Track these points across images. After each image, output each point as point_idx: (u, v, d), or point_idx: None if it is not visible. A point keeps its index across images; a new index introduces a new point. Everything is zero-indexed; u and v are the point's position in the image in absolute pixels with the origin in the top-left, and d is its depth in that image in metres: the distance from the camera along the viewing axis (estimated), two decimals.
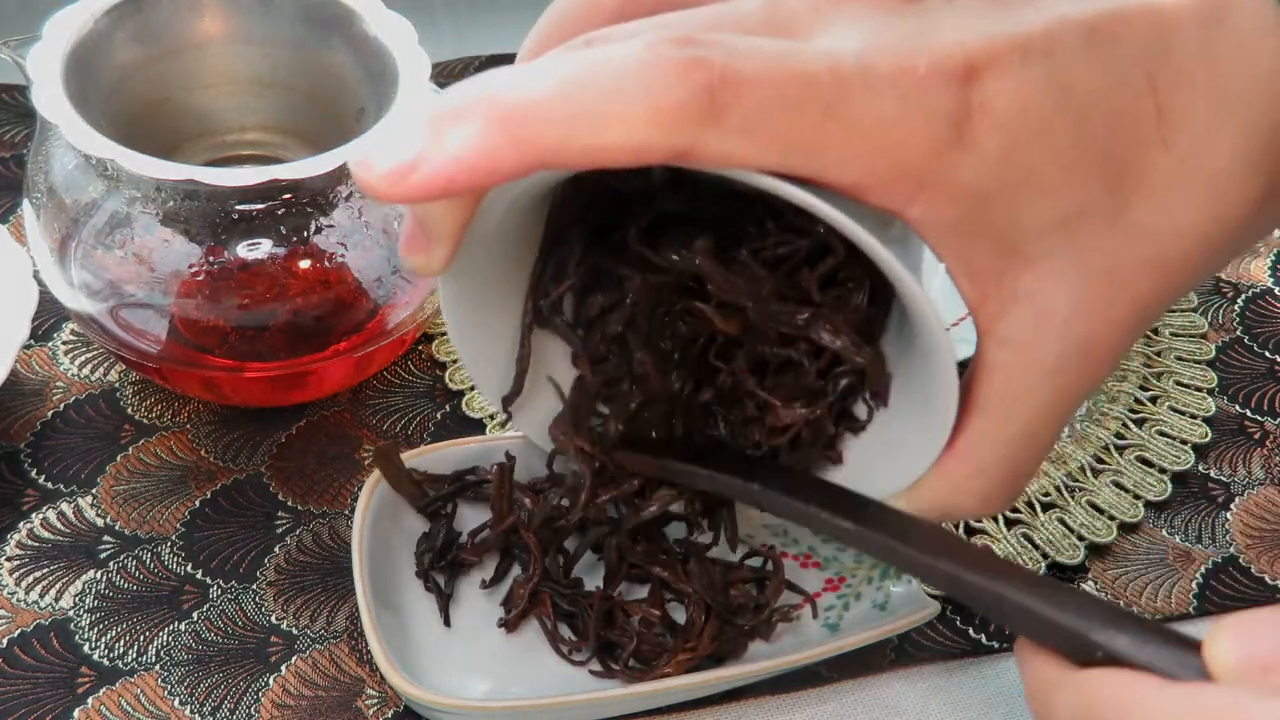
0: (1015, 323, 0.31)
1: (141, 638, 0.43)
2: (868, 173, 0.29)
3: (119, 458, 0.48)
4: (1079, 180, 0.30)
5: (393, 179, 0.27)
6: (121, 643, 0.43)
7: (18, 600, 0.44)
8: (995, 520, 0.48)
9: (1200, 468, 0.51)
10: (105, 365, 0.51)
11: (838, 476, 0.38)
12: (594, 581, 0.43)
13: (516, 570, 0.44)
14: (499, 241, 0.36)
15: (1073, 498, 0.49)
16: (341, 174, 0.44)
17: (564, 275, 0.38)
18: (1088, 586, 0.47)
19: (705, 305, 0.37)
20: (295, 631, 0.44)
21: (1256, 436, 0.53)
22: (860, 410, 0.38)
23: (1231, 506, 0.50)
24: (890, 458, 0.36)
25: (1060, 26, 0.30)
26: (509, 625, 0.43)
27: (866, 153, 0.29)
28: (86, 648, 0.43)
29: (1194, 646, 0.27)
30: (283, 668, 0.43)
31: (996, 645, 0.45)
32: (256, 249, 0.46)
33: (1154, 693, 0.26)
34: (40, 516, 0.46)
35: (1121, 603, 0.46)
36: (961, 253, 0.31)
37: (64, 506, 0.47)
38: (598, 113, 0.27)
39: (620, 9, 0.32)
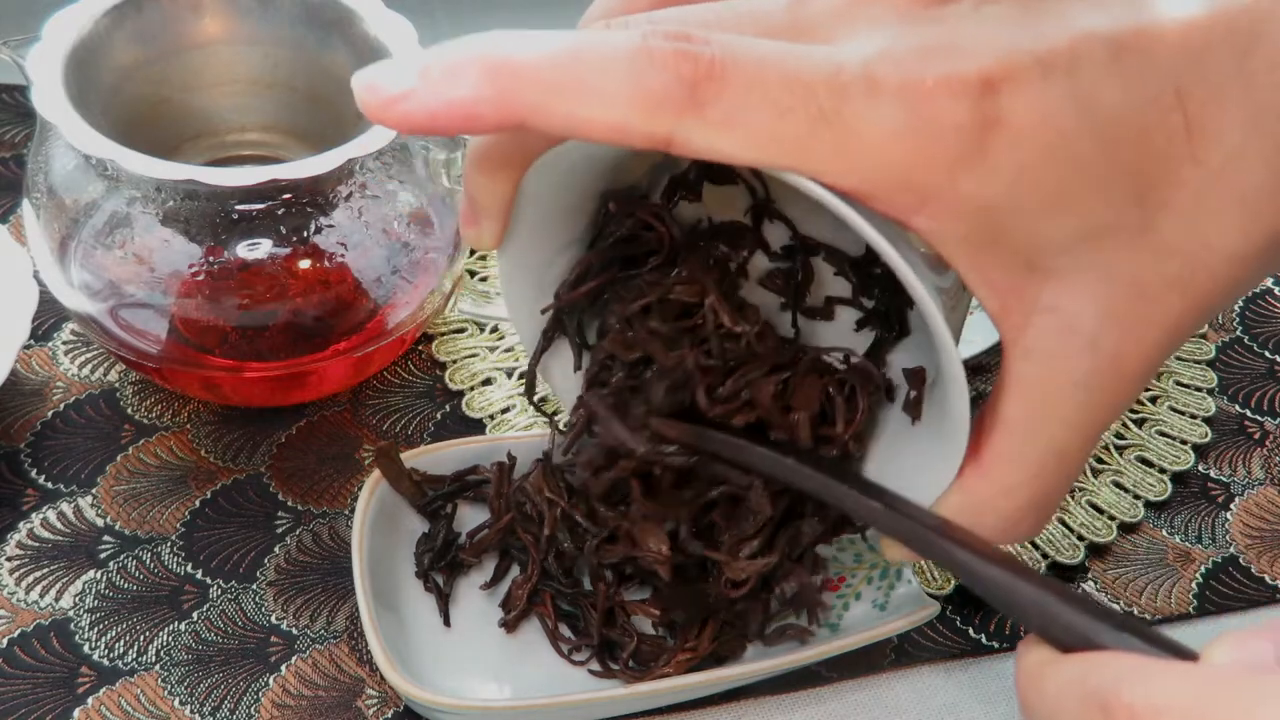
0: (1039, 335, 0.31)
1: (141, 638, 0.43)
2: (867, 180, 0.29)
3: (119, 458, 0.48)
4: (1103, 196, 0.30)
5: (385, 104, 0.29)
6: (121, 643, 0.43)
7: (18, 600, 0.44)
8: None
9: (1200, 468, 0.51)
10: (105, 365, 0.51)
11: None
12: None
13: (516, 570, 0.44)
14: (550, 228, 0.38)
15: (1073, 498, 0.49)
16: (341, 174, 0.44)
17: (580, 284, 0.39)
18: (1088, 586, 0.47)
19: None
20: (295, 631, 0.44)
21: (1256, 436, 0.53)
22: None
23: (1231, 506, 0.50)
24: (915, 474, 0.36)
25: (1085, 42, 0.29)
26: (508, 626, 0.43)
27: (865, 160, 0.29)
28: (86, 648, 0.43)
29: (1195, 656, 0.27)
30: (283, 668, 0.43)
31: (996, 645, 0.45)
32: (256, 249, 0.46)
33: (1152, 665, 0.26)
34: (40, 516, 0.46)
35: (1121, 602, 0.46)
36: (976, 264, 0.30)
37: (64, 506, 0.47)
38: (580, 84, 0.28)
39: (656, 4, 0.33)
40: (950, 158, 0.29)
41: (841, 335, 0.41)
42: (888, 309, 0.40)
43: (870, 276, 0.40)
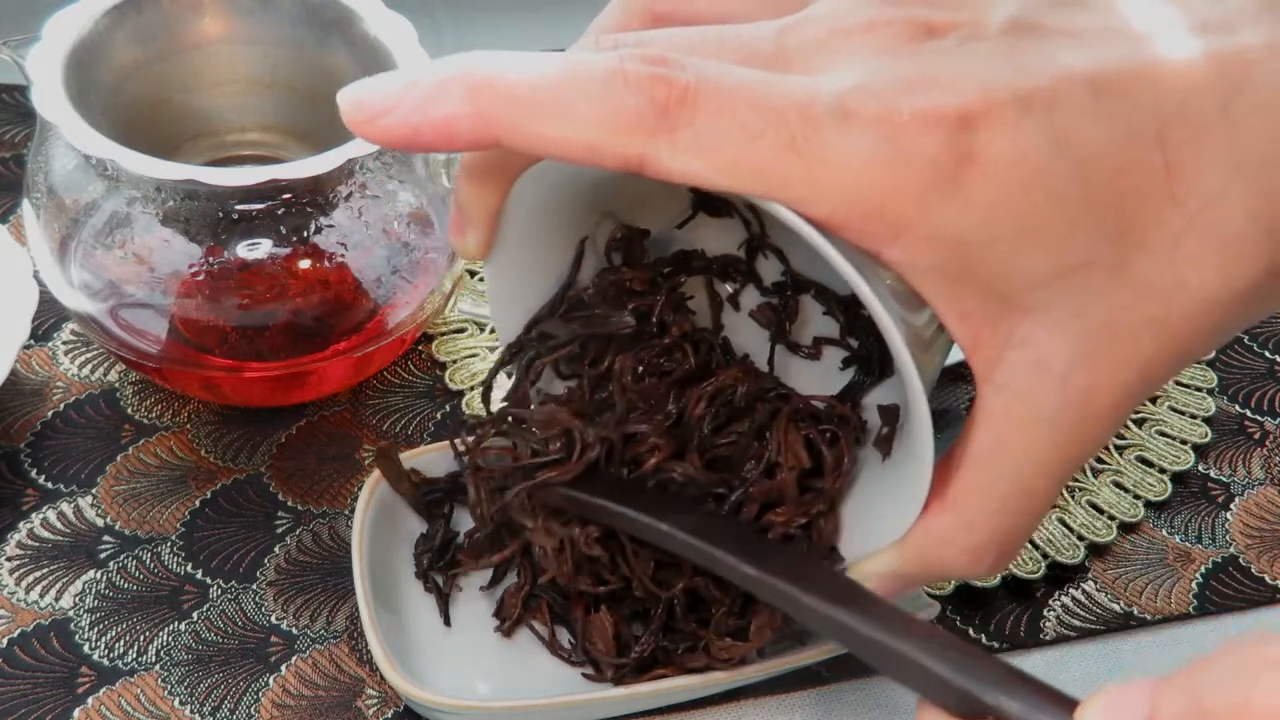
0: (1011, 370, 0.31)
1: (141, 638, 0.43)
2: (838, 209, 0.29)
3: (119, 458, 0.48)
4: (1079, 234, 0.30)
5: (369, 117, 0.30)
6: (121, 643, 0.43)
7: (18, 600, 0.44)
8: None
9: (1200, 468, 0.51)
10: (105, 365, 0.51)
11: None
12: None
13: (515, 572, 0.44)
14: (538, 243, 0.38)
15: (1073, 498, 0.49)
16: (341, 174, 0.44)
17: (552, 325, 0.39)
18: (1087, 587, 0.47)
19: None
20: (295, 631, 0.44)
21: (1256, 436, 0.53)
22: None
23: (1231, 506, 0.50)
24: (883, 510, 0.36)
25: (1066, 80, 0.29)
26: (505, 632, 0.43)
27: (835, 189, 0.29)
28: (86, 648, 0.43)
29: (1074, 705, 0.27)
30: (283, 668, 0.43)
31: (996, 645, 0.45)
32: (256, 249, 0.46)
33: None
34: (40, 516, 0.46)
35: (1121, 603, 0.46)
36: (949, 296, 0.30)
37: (64, 506, 0.47)
38: (555, 104, 0.29)
39: (649, 24, 0.34)
40: (923, 189, 0.29)
41: (822, 372, 0.42)
42: (870, 352, 0.40)
43: (857, 317, 0.40)
